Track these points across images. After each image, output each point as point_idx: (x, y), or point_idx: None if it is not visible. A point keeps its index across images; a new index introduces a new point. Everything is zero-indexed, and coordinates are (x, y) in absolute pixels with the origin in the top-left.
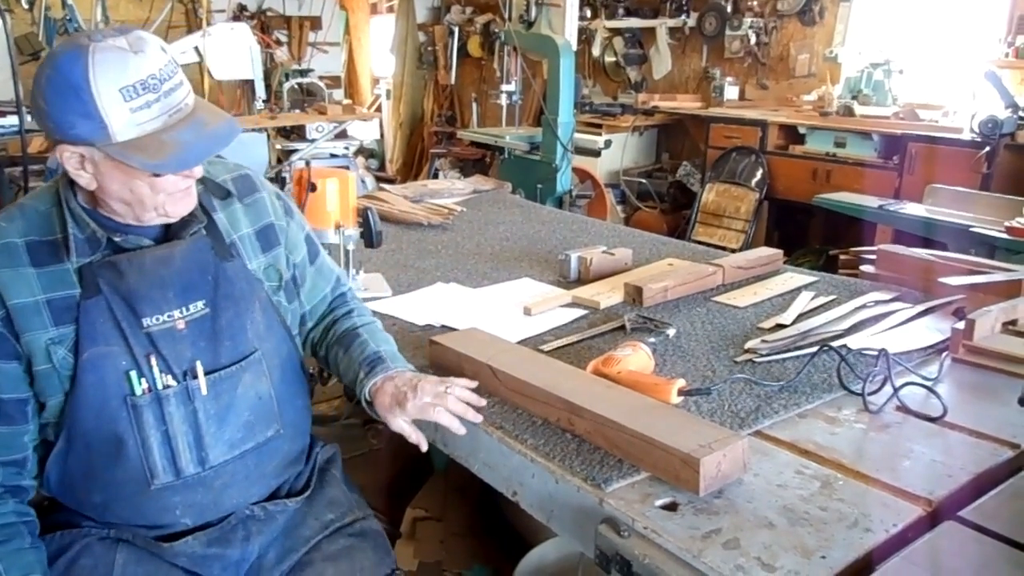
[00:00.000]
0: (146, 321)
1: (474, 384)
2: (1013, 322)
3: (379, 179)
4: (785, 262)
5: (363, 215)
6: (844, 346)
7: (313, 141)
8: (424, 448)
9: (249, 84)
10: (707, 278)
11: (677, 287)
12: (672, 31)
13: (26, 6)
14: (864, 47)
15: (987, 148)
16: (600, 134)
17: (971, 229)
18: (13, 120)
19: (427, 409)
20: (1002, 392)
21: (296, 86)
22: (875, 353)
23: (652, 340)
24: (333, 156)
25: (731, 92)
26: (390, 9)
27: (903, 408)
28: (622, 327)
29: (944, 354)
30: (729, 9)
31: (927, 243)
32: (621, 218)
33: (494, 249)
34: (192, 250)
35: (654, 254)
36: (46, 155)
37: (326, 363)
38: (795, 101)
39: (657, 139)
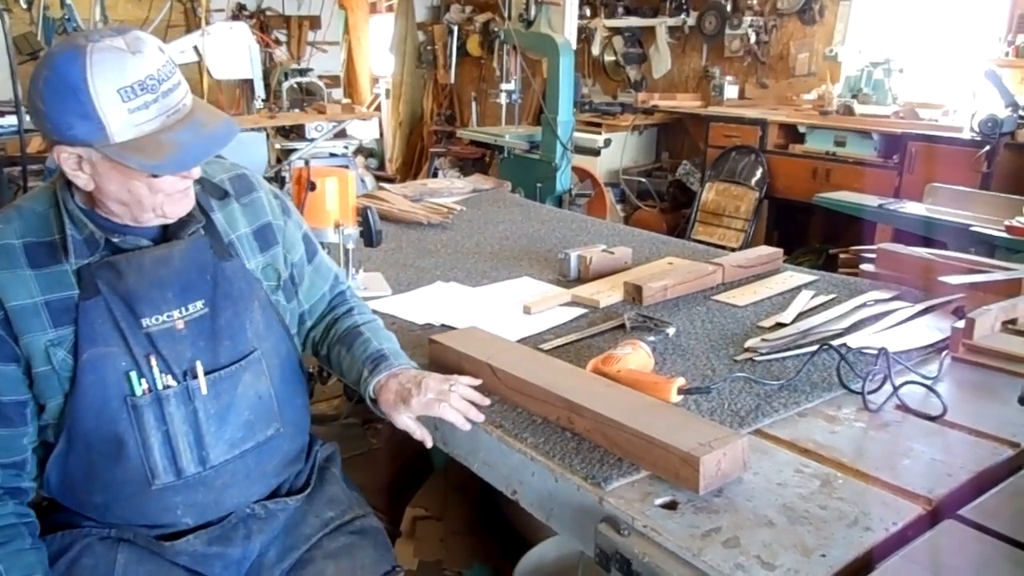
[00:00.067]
0: (145, 321)
1: (478, 382)
2: (1013, 321)
3: (378, 178)
4: (785, 261)
5: (363, 214)
6: (844, 345)
7: (312, 140)
8: (429, 444)
9: (248, 83)
10: (707, 277)
11: (677, 286)
12: (672, 30)
13: (24, 5)
14: (864, 46)
15: (987, 147)
16: (600, 133)
17: (971, 228)
18: (12, 120)
19: (431, 405)
20: (1002, 391)
21: (295, 85)
22: (875, 352)
23: (652, 339)
24: (332, 155)
25: (731, 91)
26: (389, 8)
27: (903, 407)
28: (622, 326)
29: (944, 353)
30: (729, 8)
31: (927, 242)
32: (621, 217)
33: (494, 248)
34: (191, 250)
35: (654, 253)
36: (45, 155)
37: (328, 362)
38: (795, 100)
39: (657, 138)
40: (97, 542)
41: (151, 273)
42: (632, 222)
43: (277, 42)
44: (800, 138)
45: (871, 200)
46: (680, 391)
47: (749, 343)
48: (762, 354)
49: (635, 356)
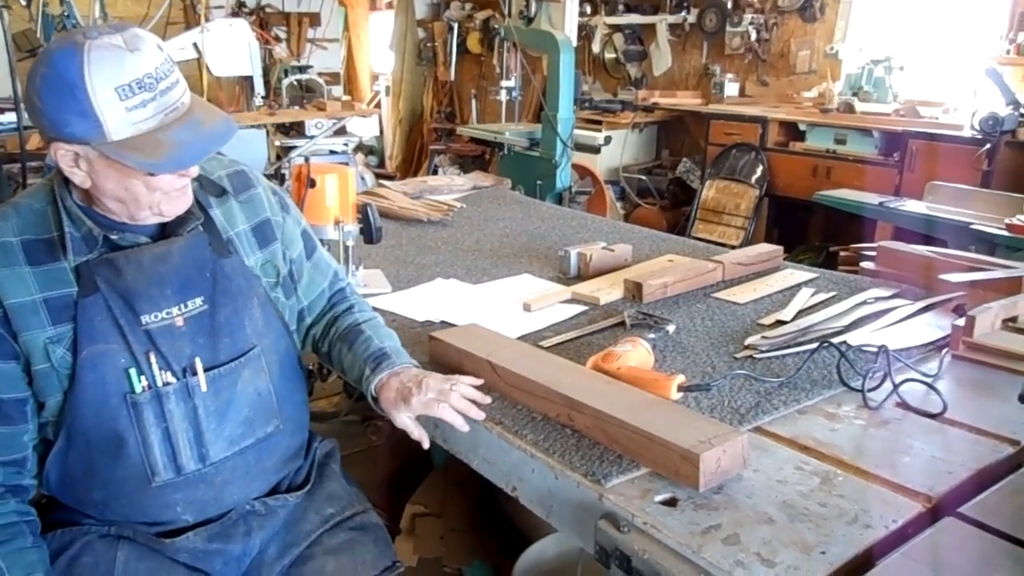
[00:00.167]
0: (145, 318)
1: (479, 382)
2: (1013, 319)
3: (378, 175)
4: (785, 259)
5: (362, 211)
6: (844, 342)
7: (312, 138)
8: (426, 445)
9: (248, 80)
10: (707, 274)
11: (677, 283)
12: (672, 27)
13: (24, 2)
14: (865, 44)
15: (988, 145)
16: (600, 130)
17: (971, 226)
18: (11, 117)
19: (431, 405)
20: (1002, 389)
21: (295, 82)
22: (875, 349)
23: (652, 336)
24: (332, 152)
25: (731, 89)
26: (389, 5)
27: (903, 404)
28: (622, 323)
29: (944, 351)
30: (729, 5)
31: (927, 240)
32: (621, 215)
33: (494, 245)
34: (189, 247)
35: (654, 250)
36: (44, 152)
37: (328, 360)
38: (795, 98)
39: (657, 136)
40: (97, 539)
41: (150, 270)
42: (632, 220)
43: (277, 39)
44: (800, 136)
45: (871, 198)
46: (680, 388)
47: (749, 340)
48: (762, 351)
49: (635, 353)
